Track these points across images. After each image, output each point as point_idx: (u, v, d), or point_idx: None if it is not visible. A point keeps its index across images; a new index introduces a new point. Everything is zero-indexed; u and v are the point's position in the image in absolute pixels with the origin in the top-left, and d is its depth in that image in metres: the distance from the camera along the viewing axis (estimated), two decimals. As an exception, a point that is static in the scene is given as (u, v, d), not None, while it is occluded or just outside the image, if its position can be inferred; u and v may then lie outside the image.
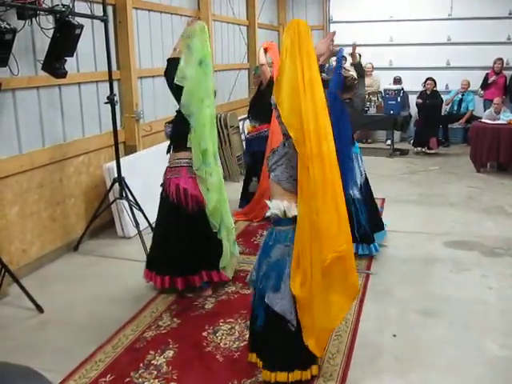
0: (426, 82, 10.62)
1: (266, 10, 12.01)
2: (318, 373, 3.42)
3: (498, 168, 9.13)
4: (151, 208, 5.24)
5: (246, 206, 6.71)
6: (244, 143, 9.26)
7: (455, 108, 11.39)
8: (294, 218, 3.21)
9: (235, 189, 7.30)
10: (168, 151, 4.60)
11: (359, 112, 5.52)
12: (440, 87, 10.97)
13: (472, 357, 3.68)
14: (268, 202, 3.37)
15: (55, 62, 4.88)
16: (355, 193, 5.28)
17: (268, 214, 3.35)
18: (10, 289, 4.64)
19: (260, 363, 3.41)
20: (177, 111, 4.47)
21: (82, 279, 5.03)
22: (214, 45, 8.82)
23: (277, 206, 3.27)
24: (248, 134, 6.98)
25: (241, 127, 9.38)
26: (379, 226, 5.59)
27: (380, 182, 8.40)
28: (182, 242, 4.47)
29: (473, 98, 11.30)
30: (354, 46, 5.63)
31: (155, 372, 3.52)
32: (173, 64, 4.32)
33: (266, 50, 6.46)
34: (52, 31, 4.86)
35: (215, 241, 4.51)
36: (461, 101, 11.32)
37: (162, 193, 4.57)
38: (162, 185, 4.58)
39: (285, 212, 3.25)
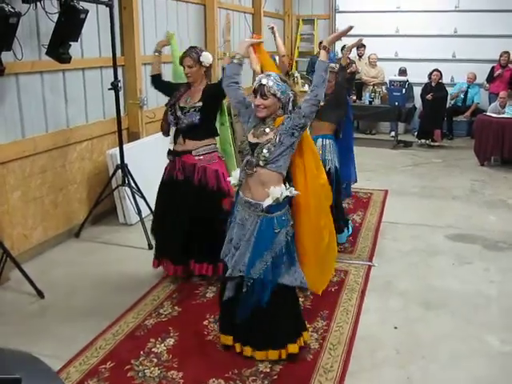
0: (432, 73, 10.54)
1: (272, -2, 11.93)
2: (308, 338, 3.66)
3: (502, 162, 9.07)
4: (153, 195, 5.22)
5: None
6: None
7: (460, 101, 11.33)
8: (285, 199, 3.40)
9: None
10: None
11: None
12: (445, 79, 10.90)
13: (473, 351, 3.68)
14: (272, 189, 3.32)
15: (59, 46, 4.84)
16: None
17: (270, 202, 3.32)
18: (11, 274, 4.64)
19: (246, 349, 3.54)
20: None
21: (83, 265, 5.03)
22: (219, 33, 8.78)
23: (279, 191, 3.32)
24: None
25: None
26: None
27: (383, 174, 8.41)
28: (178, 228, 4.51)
29: (478, 90, 11.23)
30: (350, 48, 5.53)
31: (155, 360, 3.52)
32: None
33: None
34: (57, 16, 4.82)
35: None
36: (466, 94, 11.25)
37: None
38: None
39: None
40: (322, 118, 5.00)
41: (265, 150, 3.30)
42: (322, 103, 4.78)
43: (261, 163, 3.30)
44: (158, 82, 4.64)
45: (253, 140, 3.36)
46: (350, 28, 3.73)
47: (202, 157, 4.40)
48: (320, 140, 5.14)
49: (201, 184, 4.38)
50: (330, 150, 5.15)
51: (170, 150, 4.52)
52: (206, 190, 4.33)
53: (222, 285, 3.68)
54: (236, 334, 3.57)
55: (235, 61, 3.58)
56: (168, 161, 4.57)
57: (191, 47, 4.42)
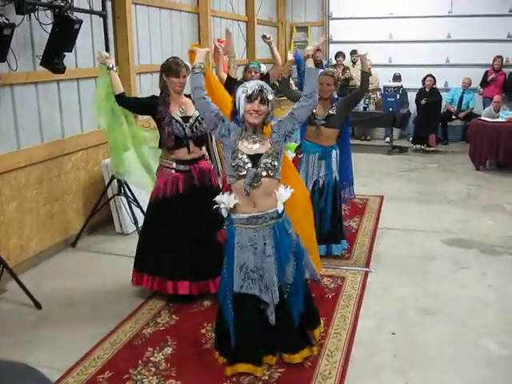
0: (425, 78, 10.58)
1: (265, 5, 11.97)
2: None
3: (497, 166, 9.09)
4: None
5: None
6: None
7: (456, 106, 11.34)
8: None
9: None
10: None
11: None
12: (439, 84, 10.94)
13: (471, 355, 3.68)
14: (278, 193, 3.40)
15: (54, 57, 4.85)
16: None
17: (282, 206, 3.40)
18: (7, 285, 4.62)
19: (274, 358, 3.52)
20: None
21: (79, 275, 5.02)
22: (212, 40, 8.78)
23: (286, 193, 3.43)
24: None
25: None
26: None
27: (378, 180, 8.42)
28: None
29: (473, 96, 11.26)
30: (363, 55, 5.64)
31: (154, 369, 3.51)
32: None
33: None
34: (51, 26, 4.84)
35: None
36: (461, 99, 11.27)
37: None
38: None
39: None
40: (332, 125, 5.11)
41: (275, 160, 3.33)
42: (333, 111, 4.90)
43: (270, 173, 3.31)
44: (124, 99, 4.48)
45: (250, 152, 3.32)
46: (325, 39, 4.08)
47: (208, 160, 4.52)
48: (334, 152, 5.20)
49: (218, 186, 4.49)
50: (338, 160, 5.26)
51: (180, 160, 4.34)
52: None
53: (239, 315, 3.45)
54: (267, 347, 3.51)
55: (197, 70, 3.49)
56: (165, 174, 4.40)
57: (176, 58, 4.39)
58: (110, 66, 4.47)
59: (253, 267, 3.37)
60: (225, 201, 3.38)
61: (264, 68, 5.52)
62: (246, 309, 3.41)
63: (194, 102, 3.90)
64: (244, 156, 3.30)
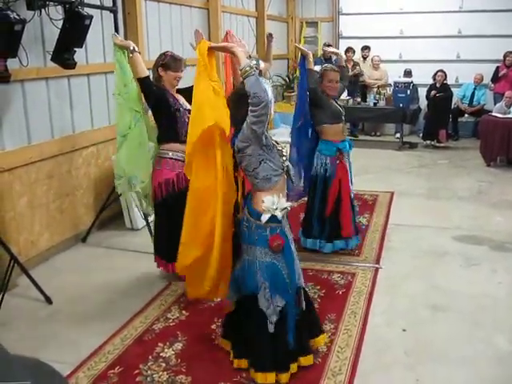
0: (436, 74, 10.52)
1: (275, 1, 11.95)
2: None
3: (508, 162, 9.01)
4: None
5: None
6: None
7: (467, 102, 11.28)
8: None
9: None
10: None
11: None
12: (450, 80, 10.87)
13: (482, 352, 3.66)
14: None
15: (64, 53, 4.87)
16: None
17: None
18: (18, 280, 4.65)
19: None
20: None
21: (90, 271, 5.04)
22: (222, 36, 8.79)
23: None
24: None
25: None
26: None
27: (389, 176, 8.39)
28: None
29: (485, 92, 11.18)
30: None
31: (164, 364, 3.52)
32: None
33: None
34: (61, 22, 4.85)
35: None
36: (473, 95, 11.21)
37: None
38: None
39: None
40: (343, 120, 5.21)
41: None
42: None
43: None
44: (149, 84, 4.39)
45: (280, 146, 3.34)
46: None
47: None
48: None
49: None
50: None
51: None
52: None
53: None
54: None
55: (254, 72, 3.06)
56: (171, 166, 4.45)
57: (172, 52, 4.49)
58: (132, 48, 4.30)
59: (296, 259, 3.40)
60: (278, 205, 3.15)
61: (262, 64, 5.56)
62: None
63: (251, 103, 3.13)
64: (284, 151, 3.27)
